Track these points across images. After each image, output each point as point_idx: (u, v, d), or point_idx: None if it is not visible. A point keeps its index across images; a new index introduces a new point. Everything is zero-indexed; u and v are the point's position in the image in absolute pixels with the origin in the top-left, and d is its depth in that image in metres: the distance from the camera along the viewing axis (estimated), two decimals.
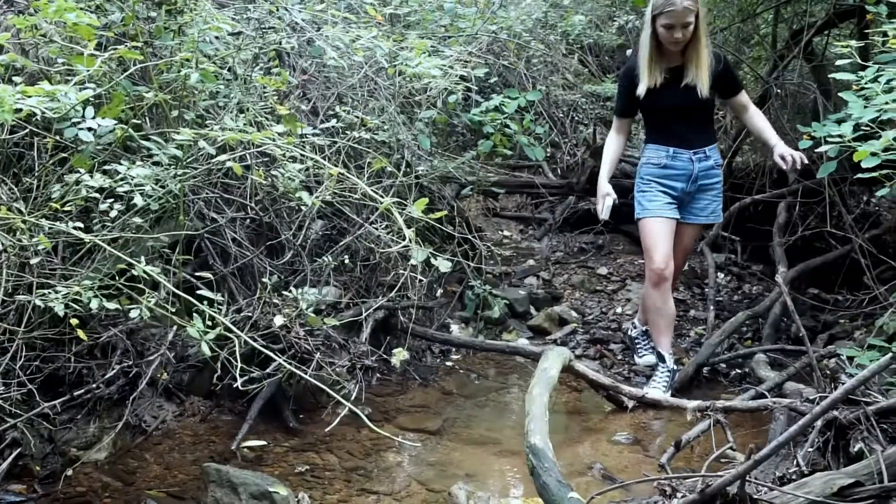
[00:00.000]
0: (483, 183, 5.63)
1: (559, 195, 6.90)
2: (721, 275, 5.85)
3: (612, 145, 4.35)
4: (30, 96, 2.64)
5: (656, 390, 4.14)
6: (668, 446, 3.38)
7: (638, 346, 4.66)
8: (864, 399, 3.04)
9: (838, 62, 3.35)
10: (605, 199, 4.20)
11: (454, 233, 4.54)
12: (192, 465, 3.53)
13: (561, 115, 6.53)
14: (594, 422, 4.06)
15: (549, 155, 6.31)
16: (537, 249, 6.53)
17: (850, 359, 3.64)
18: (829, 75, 3.37)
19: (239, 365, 2.84)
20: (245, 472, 3.23)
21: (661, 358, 4.30)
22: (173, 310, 3.09)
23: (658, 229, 4.21)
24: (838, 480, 2.62)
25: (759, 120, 4.29)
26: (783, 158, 4.03)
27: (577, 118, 6.69)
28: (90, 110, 2.91)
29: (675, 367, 4.32)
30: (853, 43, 3.23)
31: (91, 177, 2.96)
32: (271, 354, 2.95)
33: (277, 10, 4.03)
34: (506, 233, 6.87)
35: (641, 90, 4.12)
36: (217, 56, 3.60)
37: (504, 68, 5.80)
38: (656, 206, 4.22)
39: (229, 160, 3.14)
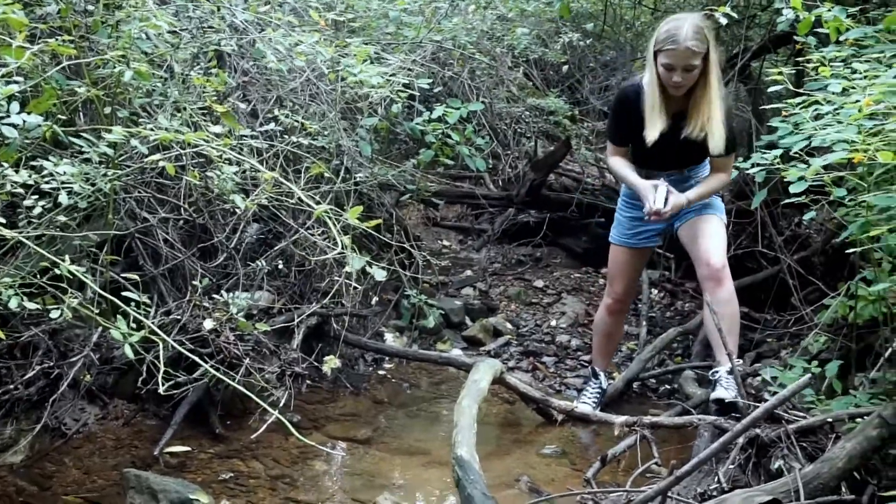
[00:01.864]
0: (423, 192, 5.62)
1: (499, 206, 6.93)
2: (655, 291, 5.94)
3: (619, 160, 3.89)
4: None
5: (585, 405, 4.17)
6: (595, 460, 3.42)
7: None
8: (785, 417, 3.12)
9: (770, 89, 3.41)
10: (657, 189, 3.66)
11: (392, 241, 4.51)
12: (113, 469, 3.45)
13: (504, 126, 6.56)
14: (524, 434, 4.07)
15: (490, 166, 6.32)
16: (475, 260, 6.54)
17: (774, 378, 3.72)
18: (768, 90, 3.40)
19: (163, 368, 2.78)
20: (166, 479, 3.17)
21: (594, 374, 4.33)
22: (98, 311, 3.02)
23: (621, 258, 4.09)
24: (757, 498, 2.67)
25: (708, 178, 3.85)
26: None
27: (519, 131, 6.72)
28: (15, 105, 2.83)
29: (606, 387, 4.32)
30: (785, 70, 3.30)
31: (16, 172, 2.87)
32: (197, 360, 2.90)
33: (219, 9, 3.98)
34: (445, 242, 6.87)
35: (648, 137, 3.64)
36: (155, 54, 3.54)
37: (449, 78, 5.80)
38: (627, 233, 4.04)
39: (163, 160, 3.09)
